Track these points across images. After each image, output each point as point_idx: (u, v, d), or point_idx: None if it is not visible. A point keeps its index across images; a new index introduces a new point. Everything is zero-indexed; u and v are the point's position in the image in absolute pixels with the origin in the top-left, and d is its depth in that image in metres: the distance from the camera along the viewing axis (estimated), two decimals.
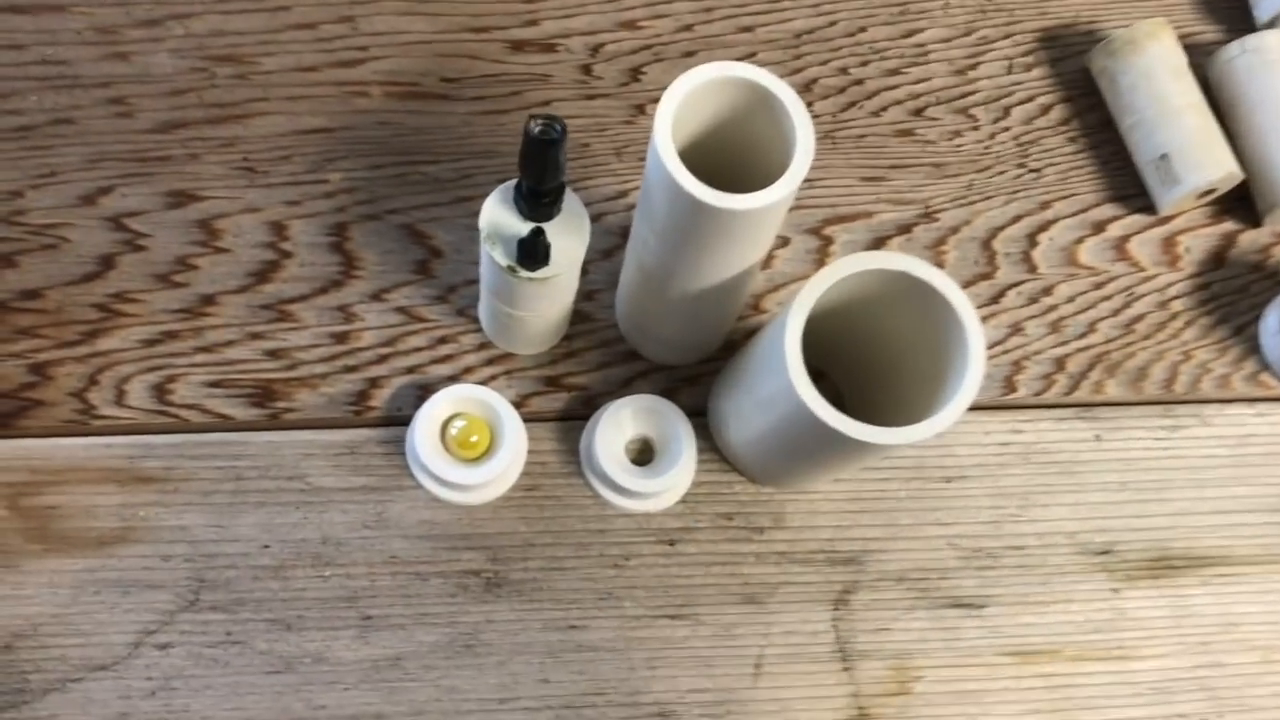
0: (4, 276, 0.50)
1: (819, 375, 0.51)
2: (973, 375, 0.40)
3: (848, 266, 0.41)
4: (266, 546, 0.48)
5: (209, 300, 0.50)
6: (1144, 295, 0.56)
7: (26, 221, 0.50)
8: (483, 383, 0.50)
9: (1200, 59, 0.58)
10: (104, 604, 0.46)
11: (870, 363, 0.48)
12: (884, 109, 0.57)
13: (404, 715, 0.47)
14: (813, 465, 0.46)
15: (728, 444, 0.50)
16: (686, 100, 0.40)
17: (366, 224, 0.52)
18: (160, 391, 0.49)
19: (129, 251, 0.50)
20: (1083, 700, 0.50)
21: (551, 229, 0.43)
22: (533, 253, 0.43)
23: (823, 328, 0.46)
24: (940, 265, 0.55)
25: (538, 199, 0.42)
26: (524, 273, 0.43)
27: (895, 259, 0.41)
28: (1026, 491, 0.52)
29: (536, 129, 0.39)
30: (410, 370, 0.51)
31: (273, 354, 0.50)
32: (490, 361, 0.51)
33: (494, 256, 0.43)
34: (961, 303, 0.40)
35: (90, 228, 0.51)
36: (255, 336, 0.50)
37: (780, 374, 0.40)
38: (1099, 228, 0.57)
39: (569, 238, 0.44)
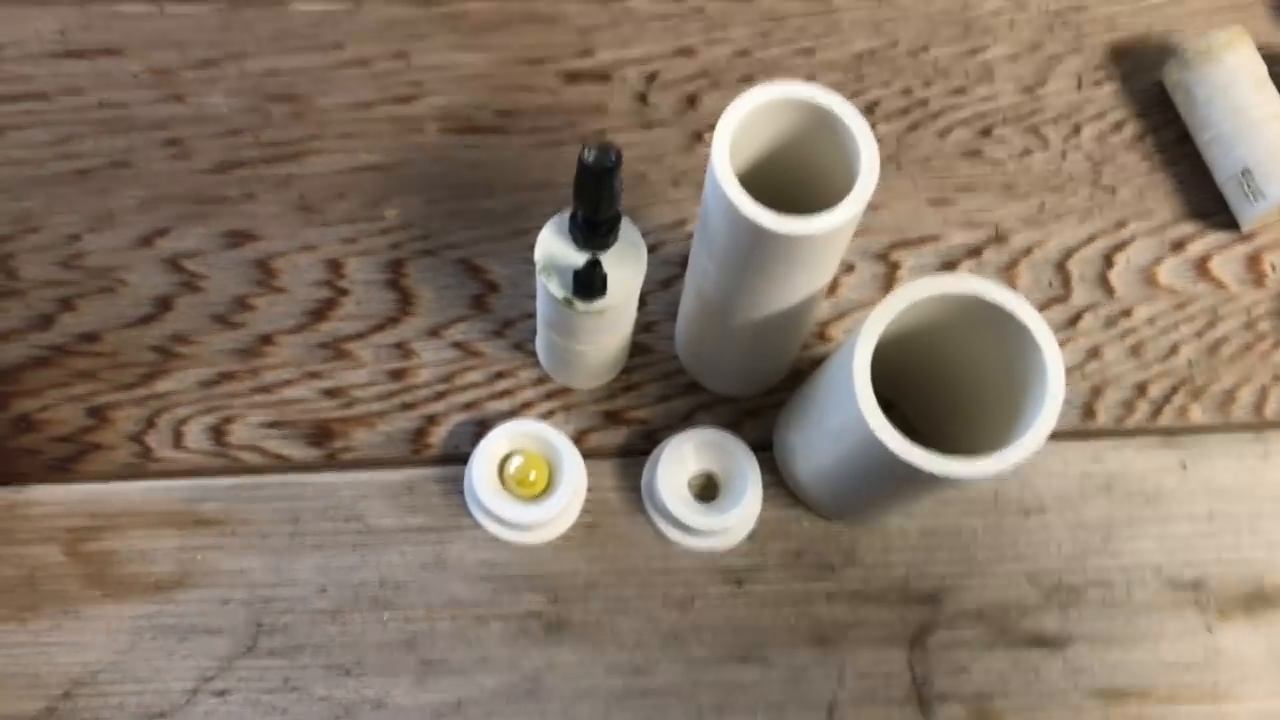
0: (62, 320, 0.50)
1: (888, 405, 0.49)
2: (1051, 403, 0.38)
3: (917, 291, 0.39)
4: (324, 590, 0.47)
5: (266, 340, 0.50)
6: (1228, 316, 0.53)
7: (84, 265, 0.50)
8: (541, 418, 0.49)
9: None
10: (162, 650, 0.46)
11: (942, 392, 0.46)
12: (950, 129, 0.55)
13: None
14: (884, 499, 0.44)
15: (796, 478, 0.48)
16: (745, 123, 0.38)
17: (422, 260, 0.51)
18: (217, 433, 0.48)
19: (186, 293, 0.50)
20: None
21: (608, 259, 0.42)
22: (589, 284, 0.42)
23: (892, 356, 0.44)
24: (1013, 289, 0.53)
25: (594, 229, 0.41)
26: (581, 305, 0.42)
27: (966, 281, 0.39)
28: (1110, 524, 0.50)
29: (591, 157, 0.38)
30: (468, 407, 0.50)
31: (330, 393, 0.49)
32: (548, 396, 0.50)
33: (549, 289, 0.42)
34: (1038, 325, 0.39)
35: (147, 270, 0.50)
36: (312, 376, 0.50)
37: (849, 404, 0.39)
38: (1178, 247, 0.54)
39: (626, 268, 0.42)
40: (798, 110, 0.39)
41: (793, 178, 0.41)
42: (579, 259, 0.42)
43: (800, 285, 0.41)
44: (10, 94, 0.52)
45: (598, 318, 0.43)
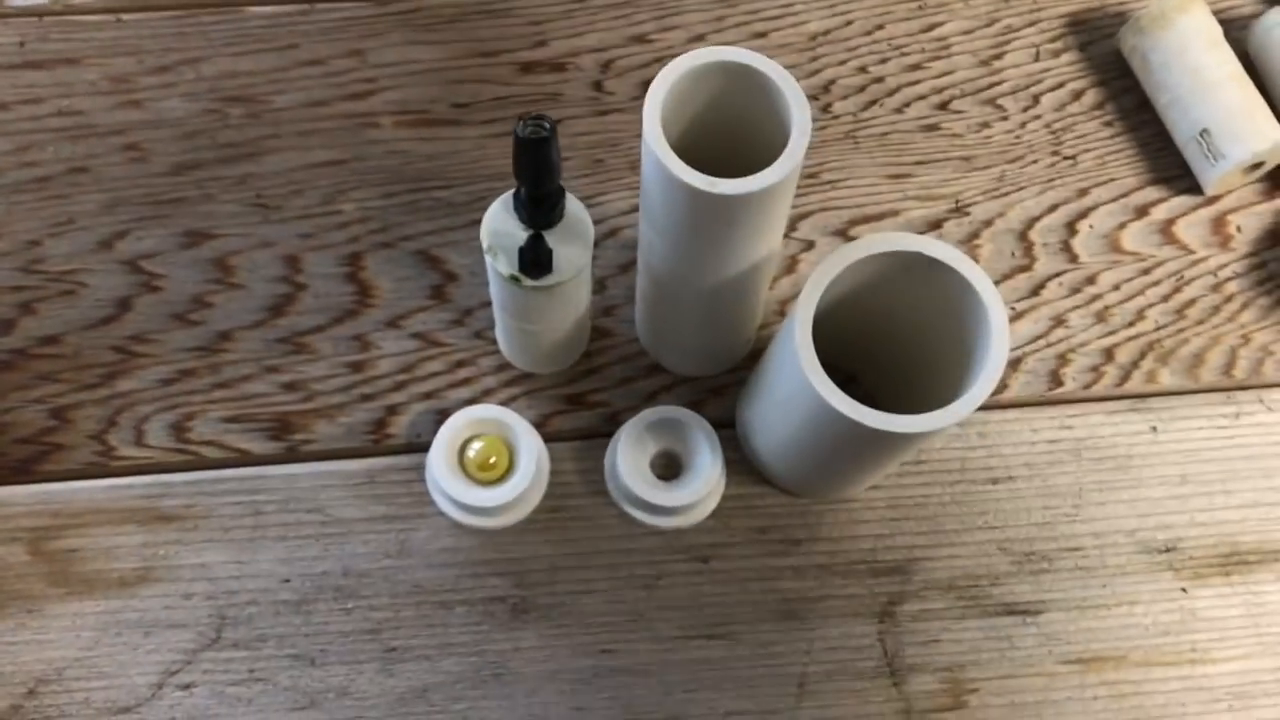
0: (23, 324, 0.50)
1: (850, 379, 0.49)
2: (996, 354, 0.38)
3: (856, 251, 0.39)
4: (287, 581, 0.47)
5: (225, 336, 0.50)
6: (1195, 279, 0.53)
7: (45, 269, 0.51)
8: (503, 404, 0.49)
9: (1238, 32, 0.55)
10: (126, 645, 0.46)
11: (900, 360, 0.46)
12: (907, 105, 0.55)
13: None
14: (841, 466, 0.44)
15: (758, 456, 0.48)
16: (676, 91, 0.38)
17: (380, 252, 0.52)
18: (178, 430, 0.49)
19: (145, 293, 0.50)
20: (1154, 709, 0.47)
21: (554, 236, 0.42)
22: (535, 260, 0.42)
23: (847, 326, 0.44)
24: (975, 260, 0.53)
25: (537, 204, 0.41)
26: (528, 281, 0.42)
27: (905, 239, 0.39)
28: (1080, 490, 0.49)
29: (526, 130, 0.38)
30: (428, 396, 0.50)
31: (289, 386, 0.49)
32: (510, 383, 0.50)
33: (496, 267, 0.42)
34: (977, 276, 0.38)
35: (107, 272, 0.51)
36: (271, 370, 0.50)
37: (795, 369, 0.38)
38: (1142, 212, 0.54)
39: (572, 244, 0.42)
40: (727, 75, 0.39)
41: (732, 146, 0.41)
42: (525, 237, 0.42)
43: (744, 251, 0.41)
44: None
45: (547, 295, 0.43)
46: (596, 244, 0.51)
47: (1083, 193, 0.54)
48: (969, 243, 0.53)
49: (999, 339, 0.38)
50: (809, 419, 0.40)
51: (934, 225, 0.53)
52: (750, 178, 0.37)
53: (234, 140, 0.53)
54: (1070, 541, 0.49)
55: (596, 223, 0.49)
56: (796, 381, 0.39)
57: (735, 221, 0.39)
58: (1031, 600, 0.48)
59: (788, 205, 0.40)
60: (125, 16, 0.55)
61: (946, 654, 0.47)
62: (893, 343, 0.45)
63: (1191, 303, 0.53)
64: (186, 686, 0.45)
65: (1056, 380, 0.51)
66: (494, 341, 0.50)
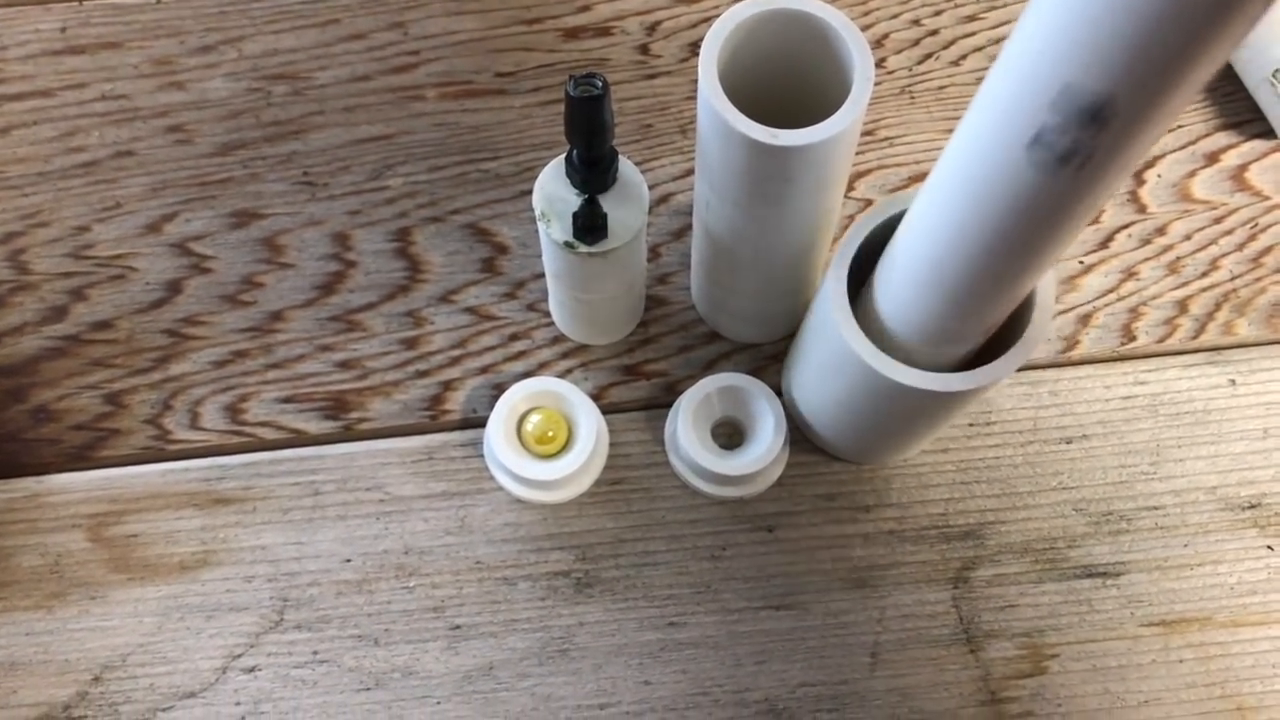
0: (75, 310, 0.49)
1: None
2: (1040, 318, 0.36)
3: (890, 208, 0.37)
4: (348, 560, 0.46)
5: (277, 316, 0.49)
6: (1271, 226, 0.51)
7: (94, 255, 0.50)
8: (559, 377, 0.48)
9: None
10: (189, 630, 0.45)
11: None
12: (963, 57, 0.54)
13: None
14: (891, 427, 0.42)
15: (810, 426, 0.46)
16: (732, 44, 0.37)
17: (429, 226, 0.51)
18: (233, 412, 0.48)
19: (195, 275, 0.50)
20: (1243, 670, 0.45)
21: (608, 200, 0.41)
22: (590, 224, 0.41)
23: None
24: None
25: (590, 167, 0.40)
26: (583, 247, 0.41)
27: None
28: (1157, 447, 0.48)
29: (578, 89, 0.37)
30: (484, 370, 0.49)
31: (343, 365, 0.49)
32: (565, 355, 0.49)
33: (550, 235, 0.41)
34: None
35: (156, 255, 0.50)
36: (325, 349, 0.49)
37: (832, 330, 0.37)
38: (1212, 159, 0.52)
39: (626, 208, 0.41)
40: (784, 24, 0.37)
41: (791, 99, 0.40)
42: (578, 202, 0.41)
43: (805, 208, 0.39)
44: (14, 93, 0.53)
45: (602, 261, 0.42)
46: (649, 210, 0.50)
47: None
48: None
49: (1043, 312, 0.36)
50: (850, 381, 0.39)
51: None
52: (813, 128, 0.35)
53: (278, 119, 0.52)
54: (1149, 500, 0.47)
55: (649, 188, 0.48)
56: (835, 344, 0.38)
57: (796, 176, 0.37)
58: (1111, 562, 0.46)
59: (849, 159, 0.39)
60: None
61: (1024, 619, 0.46)
62: None
63: (1267, 250, 0.51)
64: (251, 670, 0.45)
65: (1129, 335, 0.49)
66: (548, 314, 0.50)
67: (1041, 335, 0.36)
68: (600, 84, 0.37)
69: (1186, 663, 0.45)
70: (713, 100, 0.36)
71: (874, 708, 0.45)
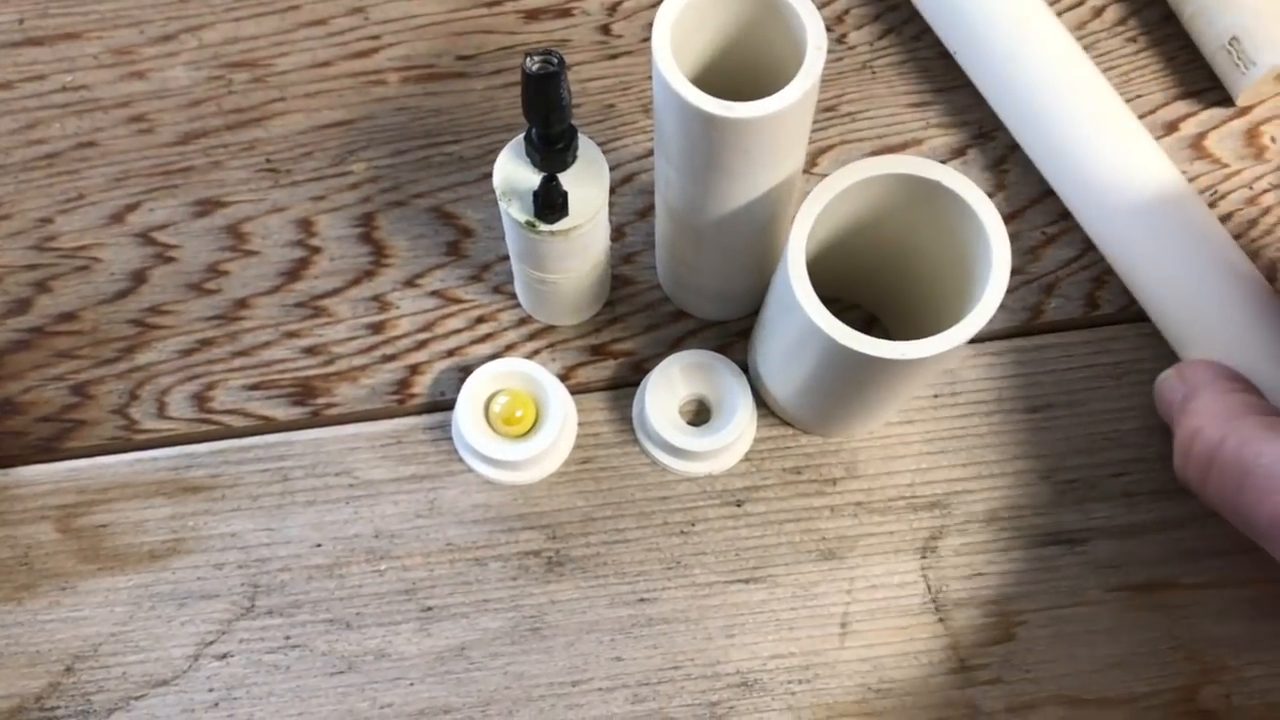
0: (39, 302, 0.49)
1: (873, 321, 0.48)
2: (997, 279, 0.36)
3: (847, 177, 0.38)
4: (319, 545, 0.46)
5: (242, 304, 0.49)
6: (1230, 193, 0.52)
7: (58, 246, 0.50)
8: (526, 358, 0.48)
9: None
10: (160, 618, 0.45)
11: (916, 296, 0.45)
12: (924, 31, 0.54)
13: (473, 706, 0.45)
14: (849, 397, 0.43)
15: (775, 399, 0.47)
16: (685, 21, 0.37)
17: (393, 211, 0.51)
18: (200, 400, 0.48)
19: (160, 264, 0.50)
20: (1207, 632, 0.45)
21: (568, 178, 0.41)
22: (549, 203, 0.41)
23: (850, 259, 0.43)
24: (1002, 185, 0.51)
25: (549, 145, 0.40)
26: (543, 226, 0.41)
27: (900, 162, 0.38)
28: (1121, 414, 0.48)
29: (534, 65, 0.37)
30: (451, 353, 0.49)
31: (310, 351, 0.49)
32: (532, 336, 0.49)
33: (511, 214, 0.41)
34: (978, 200, 0.37)
35: (120, 245, 0.50)
36: (291, 335, 0.49)
37: (791, 300, 0.37)
38: (1171, 128, 0.53)
39: (587, 186, 0.41)
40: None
41: (745, 76, 0.40)
42: (537, 180, 0.41)
43: (762, 181, 0.40)
44: None
45: (564, 241, 0.42)
46: (613, 190, 0.50)
47: None
48: (996, 168, 0.52)
49: (999, 267, 0.36)
50: (812, 351, 0.39)
51: (958, 152, 0.52)
52: (767, 100, 0.35)
53: (240, 106, 0.52)
54: (1114, 468, 0.48)
55: (612, 169, 0.48)
56: (794, 316, 0.38)
57: (750, 149, 0.37)
58: (1077, 529, 0.47)
59: (806, 130, 0.39)
60: None
61: (992, 587, 0.46)
62: (906, 278, 0.44)
63: (1227, 217, 0.51)
64: (223, 656, 0.45)
65: (1092, 303, 0.50)
66: (514, 296, 0.50)
67: (996, 301, 0.36)
68: (556, 60, 0.37)
69: (1152, 626, 0.46)
70: (666, 75, 0.36)
71: (845, 677, 0.45)
